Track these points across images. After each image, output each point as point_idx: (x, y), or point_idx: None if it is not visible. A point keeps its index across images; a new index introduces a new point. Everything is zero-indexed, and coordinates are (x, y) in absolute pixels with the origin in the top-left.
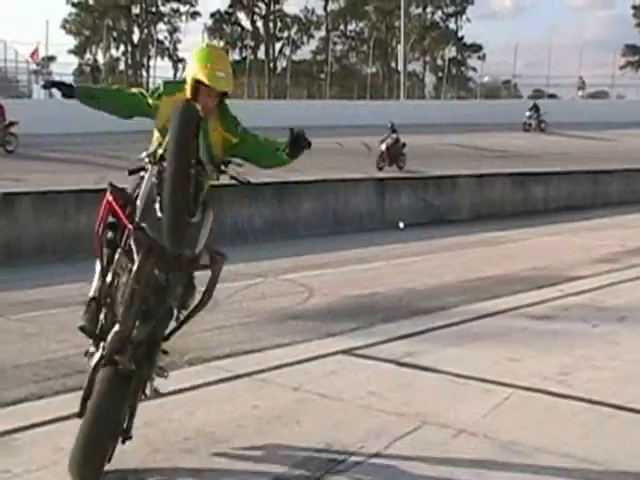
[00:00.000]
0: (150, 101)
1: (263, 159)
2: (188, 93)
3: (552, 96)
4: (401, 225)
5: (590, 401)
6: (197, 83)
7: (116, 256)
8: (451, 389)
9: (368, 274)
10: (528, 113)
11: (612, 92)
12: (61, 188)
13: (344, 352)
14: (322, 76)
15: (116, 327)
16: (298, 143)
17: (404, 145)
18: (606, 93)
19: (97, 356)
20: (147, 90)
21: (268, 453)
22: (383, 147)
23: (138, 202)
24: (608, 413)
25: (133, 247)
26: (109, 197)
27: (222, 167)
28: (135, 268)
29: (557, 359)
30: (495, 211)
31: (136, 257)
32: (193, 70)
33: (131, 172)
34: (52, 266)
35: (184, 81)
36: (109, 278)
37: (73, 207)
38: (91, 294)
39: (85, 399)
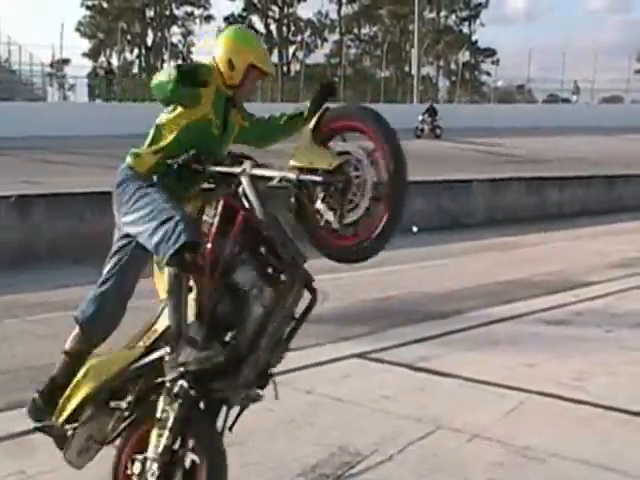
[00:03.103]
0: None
1: (272, 137)
2: (238, 79)
3: (565, 100)
4: (414, 229)
5: (605, 407)
6: (251, 67)
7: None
8: (466, 394)
9: (383, 278)
10: (421, 117)
11: (627, 97)
12: (76, 190)
13: (358, 356)
14: (335, 80)
15: (254, 359)
16: (324, 92)
17: (440, 118)
18: (621, 98)
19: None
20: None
21: (282, 456)
22: (420, 118)
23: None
24: (623, 419)
25: (288, 279)
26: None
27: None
28: (290, 302)
29: (572, 364)
30: (510, 215)
31: (291, 291)
32: (243, 55)
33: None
34: (66, 268)
35: (204, 65)
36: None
37: (88, 209)
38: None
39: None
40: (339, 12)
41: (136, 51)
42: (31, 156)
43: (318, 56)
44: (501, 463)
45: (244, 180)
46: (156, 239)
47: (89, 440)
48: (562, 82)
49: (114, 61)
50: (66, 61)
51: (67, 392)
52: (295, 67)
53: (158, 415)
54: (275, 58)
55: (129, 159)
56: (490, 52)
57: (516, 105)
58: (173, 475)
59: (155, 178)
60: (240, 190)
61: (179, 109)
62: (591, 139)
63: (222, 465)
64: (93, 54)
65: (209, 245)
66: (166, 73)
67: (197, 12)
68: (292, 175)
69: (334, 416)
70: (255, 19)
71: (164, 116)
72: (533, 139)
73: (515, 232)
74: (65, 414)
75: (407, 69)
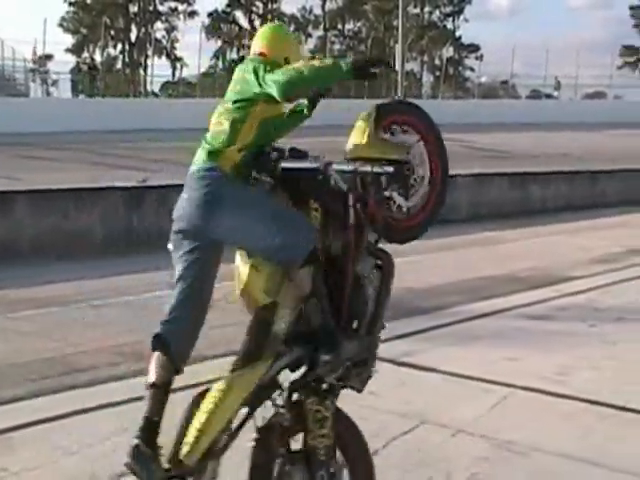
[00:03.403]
0: None
1: (280, 132)
2: None
3: (549, 96)
4: None
5: (588, 401)
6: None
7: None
8: (449, 389)
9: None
10: None
11: (609, 93)
12: (59, 186)
13: None
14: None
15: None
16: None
17: None
18: (604, 94)
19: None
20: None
21: None
22: None
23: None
24: (606, 413)
25: (385, 260)
26: None
27: None
28: (391, 281)
29: (555, 359)
30: (494, 210)
31: (392, 270)
32: (298, 52)
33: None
34: (50, 264)
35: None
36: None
37: (72, 206)
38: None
39: None
40: (323, 7)
41: (119, 46)
42: (13, 152)
43: (302, 51)
44: (485, 458)
45: (333, 174)
46: (281, 241)
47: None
48: (545, 78)
49: (97, 57)
50: (49, 57)
51: (196, 426)
52: None
53: (311, 418)
54: None
55: (211, 159)
56: (474, 48)
57: (501, 101)
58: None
59: (253, 176)
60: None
61: (262, 104)
62: (575, 135)
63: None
64: (76, 50)
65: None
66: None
67: (181, 7)
68: (367, 167)
69: None
70: (239, 14)
71: (241, 111)
72: (517, 135)
73: (499, 227)
74: (201, 448)
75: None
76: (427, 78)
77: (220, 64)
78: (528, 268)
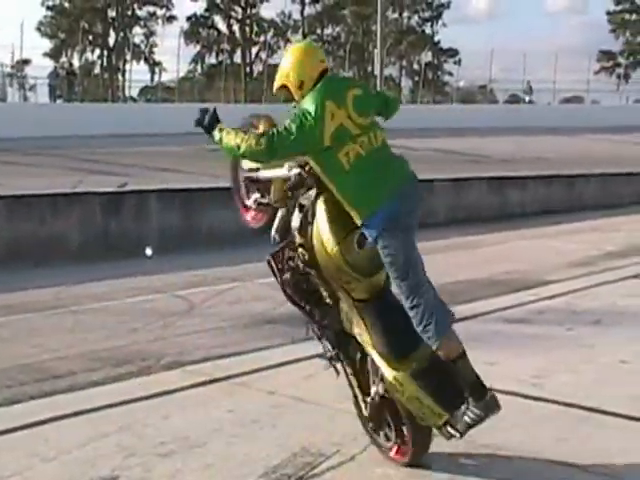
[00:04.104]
0: None
1: None
2: None
3: (531, 102)
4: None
5: (564, 404)
6: None
7: None
8: None
9: None
10: None
11: (587, 97)
12: (36, 192)
13: (320, 356)
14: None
15: None
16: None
17: None
18: (581, 98)
19: None
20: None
21: (244, 457)
22: None
23: None
24: (582, 416)
25: None
26: None
27: None
28: None
29: (532, 362)
30: (472, 215)
31: None
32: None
33: None
34: (26, 271)
35: None
36: None
37: (48, 211)
38: None
39: None
40: (302, 13)
41: (98, 51)
42: None
43: (281, 56)
44: (463, 461)
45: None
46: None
47: None
48: (523, 82)
49: (75, 61)
50: (27, 61)
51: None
52: (258, 68)
53: None
54: (238, 59)
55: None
56: (452, 52)
57: (480, 105)
58: None
59: None
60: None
61: None
62: (553, 139)
63: None
64: (54, 54)
65: None
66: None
67: (160, 12)
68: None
69: (296, 417)
70: (218, 19)
71: None
72: (496, 139)
73: (477, 231)
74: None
75: (370, 69)
76: (406, 83)
77: (199, 69)
78: (507, 272)
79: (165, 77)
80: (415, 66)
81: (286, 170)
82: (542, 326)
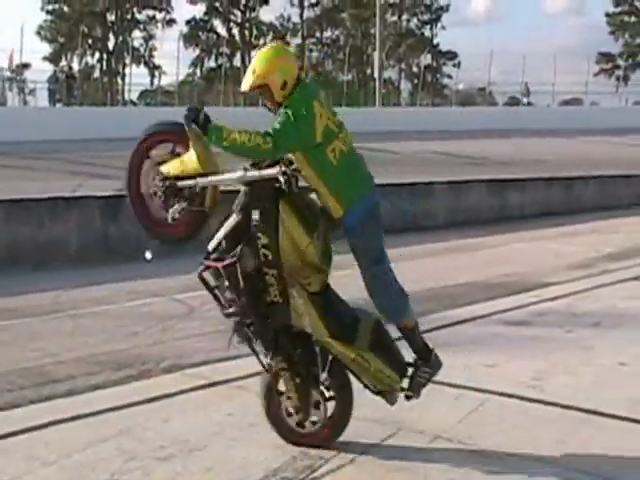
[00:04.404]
0: None
1: None
2: None
3: (530, 104)
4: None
5: (564, 406)
6: None
7: None
8: (426, 395)
9: (341, 281)
10: None
11: (586, 99)
12: (35, 196)
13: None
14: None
15: None
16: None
17: None
18: (580, 100)
19: None
20: None
21: (243, 461)
22: None
23: None
24: (581, 418)
25: None
26: None
27: None
28: None
29: (532, 364)
30: (471, 217)
31: None
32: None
33: None
34: (25, 275)
35: None
36: None
37: (47, 215)
38: None
39: None
40: (301, 16)
41: (97, 55)
42: None
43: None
44: (462, 464)
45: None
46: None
47: None
48: (522, 84)
49: (75, 65)
50: (26, 65)
51: None
52: None
53: None
54: (237, 62)
55: None
56: (451, 55)
57: (479, 108)
58: None
59: None
60: None
61: None
62: (552, 141)
63: None
64: (54, 58)
65: None
66: None
67: (159, 16)
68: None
69: None
70: (217, 23)
71: None
72: (495, 141)
73: (476, 234)
74: None
75: (369, 72)
76: (405, 86)
77: (198, 72)
78: (506, 274)
79: (164, 81)
80: (414, 69)
81: (274, 171)
82: (542, 328)
